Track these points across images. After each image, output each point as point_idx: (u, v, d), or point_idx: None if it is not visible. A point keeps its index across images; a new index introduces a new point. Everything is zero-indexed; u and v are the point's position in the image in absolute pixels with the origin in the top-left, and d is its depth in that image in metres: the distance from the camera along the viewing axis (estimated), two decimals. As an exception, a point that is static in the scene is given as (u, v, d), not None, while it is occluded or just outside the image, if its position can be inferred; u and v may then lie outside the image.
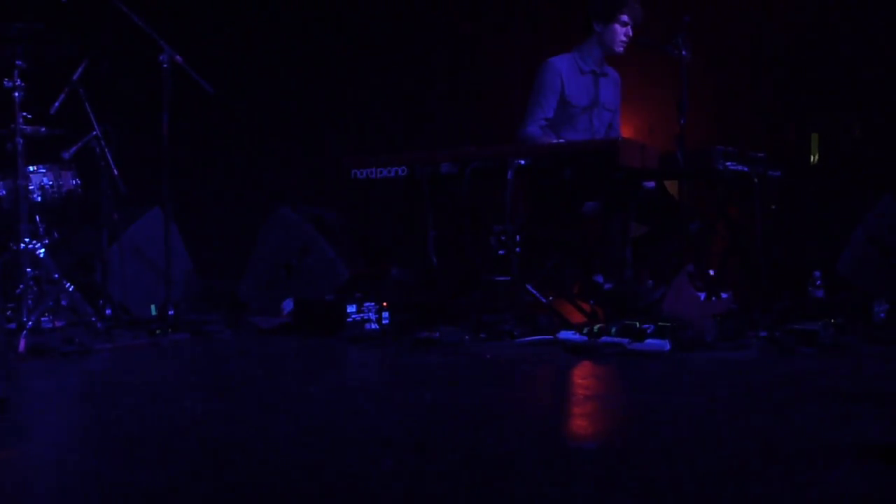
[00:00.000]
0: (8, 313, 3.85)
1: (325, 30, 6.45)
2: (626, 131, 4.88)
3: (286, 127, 6.41)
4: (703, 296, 3.80)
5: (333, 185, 5.45)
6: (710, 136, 5.23)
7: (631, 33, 4.43)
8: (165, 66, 4.11)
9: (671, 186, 4.58)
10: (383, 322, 4.30)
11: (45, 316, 3.99)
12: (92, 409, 2.69)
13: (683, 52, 4.08)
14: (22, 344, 3.64)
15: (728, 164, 4.00)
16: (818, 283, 4.26)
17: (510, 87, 5.65)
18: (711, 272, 3.97)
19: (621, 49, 4.46)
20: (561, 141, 4.40)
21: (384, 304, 4.33)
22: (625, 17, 4.39)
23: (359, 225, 5.65)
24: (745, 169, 4.10)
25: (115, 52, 5.02)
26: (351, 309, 4.18)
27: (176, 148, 4.19)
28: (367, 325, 4.24)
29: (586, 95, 4.52)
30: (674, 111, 4.09)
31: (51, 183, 4.25)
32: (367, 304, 4.25)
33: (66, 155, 4.26)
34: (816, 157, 5.30)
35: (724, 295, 3.90)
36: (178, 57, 4.12)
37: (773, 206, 4.37)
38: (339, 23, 6.43)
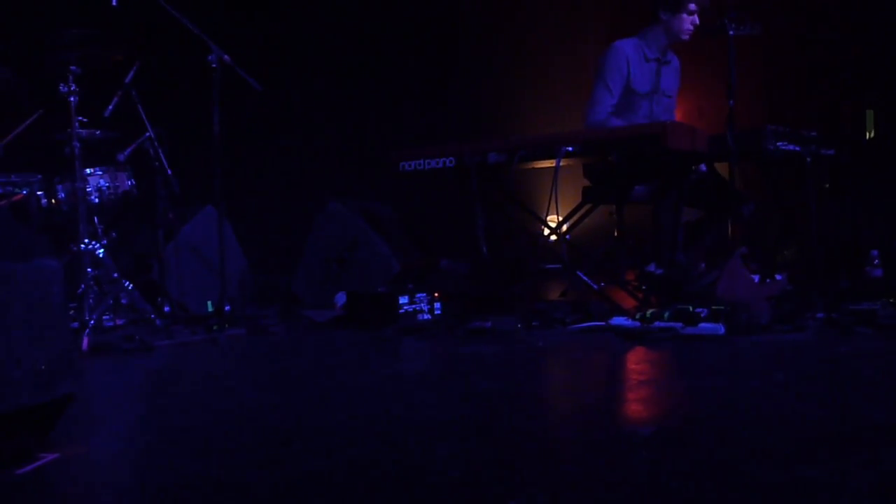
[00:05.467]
0: (70, 313, 3.96)
1: (369, 26, 6.48)
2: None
3: (334, 122, 6.47)
4: (757, 278, 3.75)
5: (382, 179, 5.49)
6: (761, 115, 5.15)
7: (698, 21, 4.38)
8: (214, 66, 4.18)
9: (722, 168, 4.53)
10: (436, 313, 4.34)
11: (106, 314, 4.10)
12: (156, 403, 2.76)
13: (731, 32, 4.03)
14: (85, 342, 3.74)
15: (779, 144, 3.95)
16: (876, 262, 4.18)
17: (555, 78, 5.62)
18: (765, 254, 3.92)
19: (688, 37, 4.43)
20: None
21: (436, 294, 4.35)
22: (692, 6, 4.36)
23: (408, 217, 5.67)
24: (797, 149, 4.04)
25: (164, 54, 5.11)
26: (403, 300, 4.22)
27: (227, 146, 4.26)
28: (420, 316, 4.27)
29: (648, 83, 4.49)
30: (723, 92, 4.04)
31: (107, 184, 4.35)
32: (419, 295, 4.28)
33: (122, 157, 4.36)
34: (872, 133, 5.19)
35: (779, 276, 3.85)
36: (226, 56, 4.18)
37: (827, 185, 4.29)
38: (384, 18, 6.46)
